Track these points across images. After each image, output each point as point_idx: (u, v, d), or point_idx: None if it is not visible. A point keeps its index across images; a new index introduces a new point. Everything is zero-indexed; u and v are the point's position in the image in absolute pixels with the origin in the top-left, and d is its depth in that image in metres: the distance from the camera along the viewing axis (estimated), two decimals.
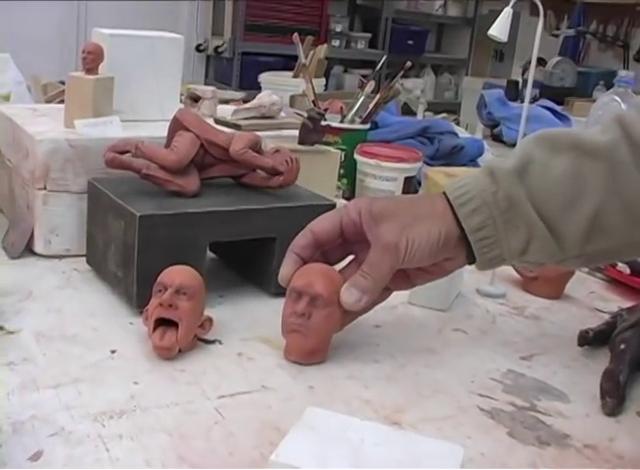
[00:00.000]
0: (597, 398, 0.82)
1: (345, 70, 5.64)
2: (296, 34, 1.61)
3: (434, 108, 4.11)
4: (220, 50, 5.20)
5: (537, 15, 1.02)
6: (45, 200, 1.05)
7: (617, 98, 1.42)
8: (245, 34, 5.15)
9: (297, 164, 1.00)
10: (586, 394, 0.84)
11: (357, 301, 0.82)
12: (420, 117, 2.96)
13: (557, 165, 0.80)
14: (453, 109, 4.56)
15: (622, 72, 1.44)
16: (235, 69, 5.17)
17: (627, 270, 1.20)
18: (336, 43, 5.43)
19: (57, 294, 0.97)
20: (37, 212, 1.05)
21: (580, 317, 1.06)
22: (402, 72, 1.50)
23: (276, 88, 2.40)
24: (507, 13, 1.03)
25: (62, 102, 1.30)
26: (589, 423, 0.78)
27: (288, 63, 4.51)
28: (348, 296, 0.81)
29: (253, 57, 5.13)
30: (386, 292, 0.87)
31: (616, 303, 1.11)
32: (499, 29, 1.04)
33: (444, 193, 0.83)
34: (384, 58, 1.69)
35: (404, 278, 0.87)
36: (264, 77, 3.00)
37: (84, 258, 1.04)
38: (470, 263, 0.85)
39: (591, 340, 0.95)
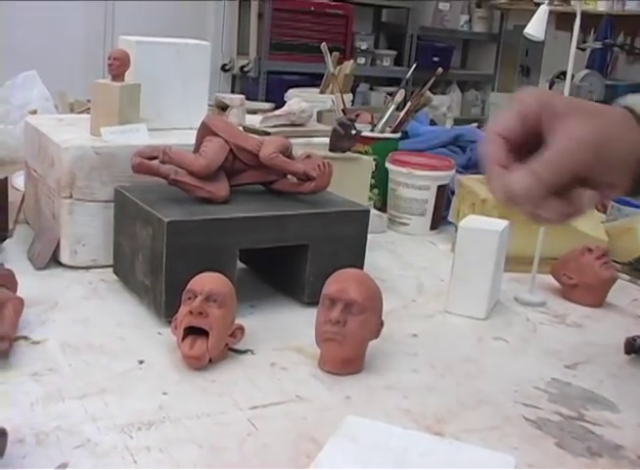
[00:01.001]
0: None
1: (371, 88, 5.62)
2: (324, 44, 1.58)
3: (460, 124, 4.07)
4: (246, 69, 5.19)
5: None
6: (71, 209, 1.02)
7: None
8: (270, 53, 5.14)
9: (330, 169, 0.97)
10: (636, 403, 0.80)
11: (529, 189, 0.65)
12: None
13: None
14: (480, 125, 4.52)
15: None
16: (261, 87, 5.16)
17: None
18: (361, 61, 5.40)
19: (83, 304, 0.94)
20: (63, 222, 1.03)
21: (624, 325, 1.02)
22: (433, 79, 1.46)
23: (300, 101, 2.38)
24: (543, 10, 1.00)
25: (89, 113, 1.28)
26: None
27: (313, 81, 4.48)
28: (519, 182, 0.66)
29: (279, 75, 5.12)
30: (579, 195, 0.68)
31: None
32: (535, 28, 1.01)
33: (629, 109, 0.70)
34: (413, 66, 1.66)
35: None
36: (291, 93, 2.98)
37: (111, 269, 1.01)
38: (630, 194, 0.73)
39: (638, 347, 0.91)
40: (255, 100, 5.05)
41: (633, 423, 0.76)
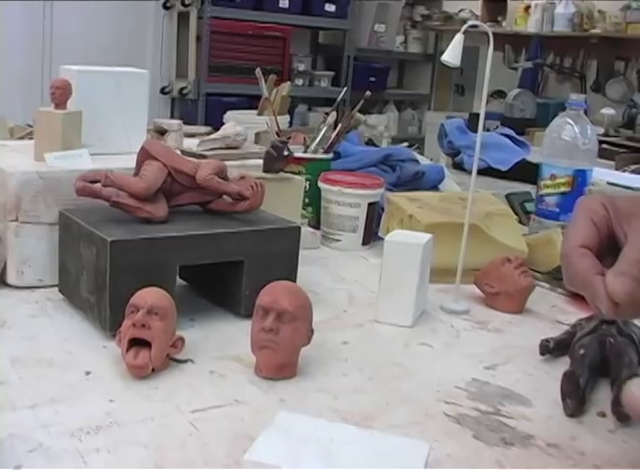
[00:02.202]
0: (559, 401, 0.85)
1: (309, 109, 5.71)
2: (258, 69, 1.65)
3: (398, 143, 4.17)
4: (185, 92, 5.24)
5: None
6: (17, 231, 1.07)
7: (570, 120, 1.46)
8: (209, 76, 5.20)
9: (263, 189, 1.03)
10: (548, 398, 0.87)
11: (630, 288, 0.68)
12: None
13: None
14: (417, 143, 4.63)
15: (574, 96, 1.49)
16: (200, 110, 5.22)
17: None
18: (299, 82, 5.49)
19: (31, 322, 0.99)
20: (10, 244, 1.07)
21: (542, 329, 1.09)
22: (362, 102, 1.54)
23: (235, 124, 2.44)
24: (459, 39, 1.08)
25: (31, 138, 1.33)
26: (552, 424, 0.82)
27: (252, 102, 4.53)
28: (619, 284, 0.68)
29: (218, 97, 5.17)
30: None
31: (575, 315, 1.15)
32: (451, 55, 1.08)
33: None
34: (344, 89, 1.73)
35: None
36: (229, 116, 3.02)
37: (56, 288, 1.06)
38: None
39: (552, 349, 0.99)
40: (195, 122, 5.10)
41: (544, 415, 0.83)
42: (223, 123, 3.02)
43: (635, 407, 0.32)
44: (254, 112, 2.93)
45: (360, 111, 1.63)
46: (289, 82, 3.23)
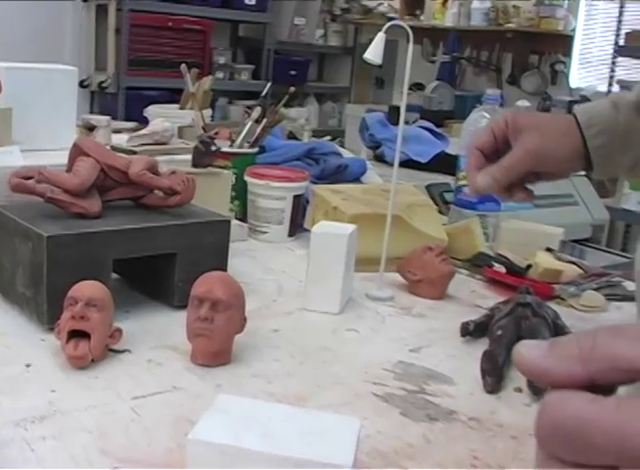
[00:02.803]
0: (479, 379, 0.91)
1: (230, 102, 5.72)
2: (183, 65, 1.67)
3: (319, 136, 4.22)
4: (104, 85, 5.20)
5: (415, 42, 1.12)
6: None
7: (486, 114, 1.53)
8: (128, 69, 5.17)
9: (193, 184, 1.07)
10: (469, 377, 0.93)
11: (489, 186, 0.96)
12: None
13: None
14: (338, 136, 4.69)
15: (489, 91, 1.55)
16: (120, 103, 5.18)
17: (503, 270, 1.31)
18: (220, 75, 5.50)
19: None
20: None
21: (463, 313, 1.15)
22: (287, 97, 1.58)
23: (163, 121, 2.46)
24: (380, 37, 1.13)
25: None
26: (473, 400, 0.87)
27: (173, 96, 4.54)
28: (482, 180, 0.96)
29: (138, 91, 5.15)
30: (517, 190, 1.00)
31: (493, 299, 1.21)
32: (374, 53, 1.13)
33: (574, 116, 0.99)
34: (269, 84, 1.77)
35: (534, 176, 1.00)
36: (151, 110, 3.03)
37: None
38: (585, 173, 1.03)
39: (472, 330, 1.05)
40: (115, 116, 5.06)
41: (466, 392, 0.89)
42: (144, 117, 3.03)
43: (522, 366, 0.39)
44: (176, 106, 2.94)
45: (276, 103, 1.67)
46: (211, 76, 3.25)
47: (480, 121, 1.54)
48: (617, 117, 0.99)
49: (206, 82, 3.02)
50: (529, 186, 1.02)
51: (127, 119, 4.85)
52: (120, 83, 5.17)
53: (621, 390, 0.38)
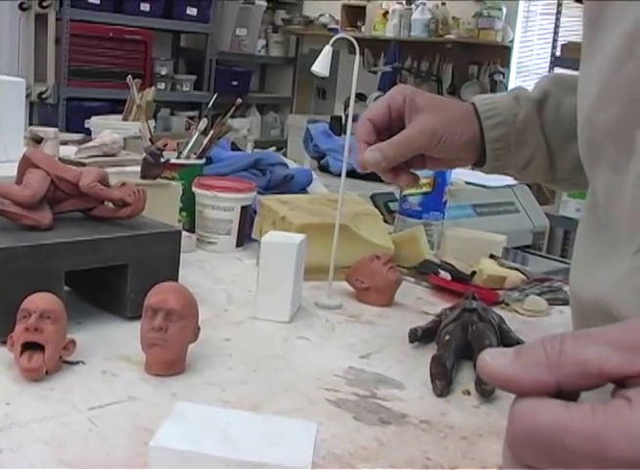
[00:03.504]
0: (428, 383, 0.93)
1: (172, 113, 5.71)
2: (129, 76, 1.68)
3: (261, 146, 4.24)
4: (44, 96, 5.15)
5: (355, 53, 1.14)
6: None
7: None
8: (69, 79, 5.13)
9: (144, 196, 1.08)
10: (419, 381, 0.95)
11: (377, 162, 0.93)
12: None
13: (567, 104, 0.97)
14: (280, 146, 4.71)
15: None
16: (60, 114, 5.14)
17: (448, 277, 1.34)
18: (161, 86, 5.49)
19: None
20: None
21: (410, 320, 1.17)
22: (234, 109, 1.59)
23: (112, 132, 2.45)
24: (327, 50, 1.15)
25: None
26: (423, 403, 0.90)
27: (114, 107, 4.53)
28: (371, 156, 0.93)
29: (79, 102, 5.12)
30: (403, 174, 0.98)
31: (440, 306, 1.24)
32: (321, 66, 1.15)
33: (474, 105, 0.98)
34: (214, 96, 1.78)
35: (421, 161, 0.99)
36: (94, 121, 3.01)
37: None
38: (474, 166, 1.02)
39: (420, 336, 1.07)
40: (55, 127, 5.02)
41: (416, 396, 0.91)
42: (85, 128, 3.02)
43: (488, 374, 0.39)
44: (119, 117, 2.94)
45: (223, 114, 1.68)
46: (153, 87, 3.25)
47: None
48: (517, 112, 0.97)
49: (149, 93, 3.03)
50: (415, 172, 0.99)
51: (68, 130, 4.81)
52: (60, 94, 5.13)
53: (584, 395, 0.39)
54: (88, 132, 2.80)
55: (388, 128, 0.97)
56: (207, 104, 5.63)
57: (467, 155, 0.99)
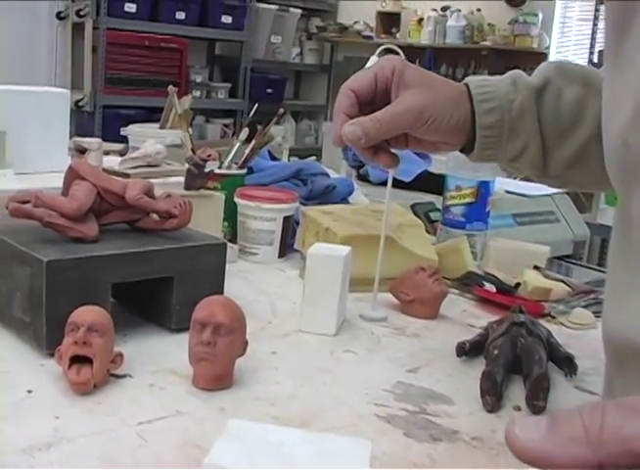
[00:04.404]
0: (478, 398, 0.92)
1: (207, 120, 5.73)
2: (171, 86, 1.68)
3: (296, 154, 4.23)
4: (81, 104, 5.19)
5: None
6: None
7: None
8: (105, 87, 5.17)
9: (190, 207, 1.07)
10: (468, 396, 0.94)
11: (356, 138, 0.84)
12: (284, 161, 3.07)
13: (568, 94, 0.91)
14: (315, 153, 4.70)
15: None
16: (97, 122, 5.17)
17: (494, 289, 1.33)
18: (196, 94, 5.51)
19: None
20: None
21: (456, 333, 1.16)
22: (276, 119, 1.59)
23: (143, 140, 2.45)
24: (373, 61, 1.14)
25: None
26: (474, 419, 0.88)
27: (149, 115, 4.55)
28: (350, 131, 0.84)
29: (115, 110, 5.15)
30: (383, 153, 0.90)
31: (485, 318, 1.22)
32: None
33: (467, 86, 0.90)
34: (255, 106, 1.78)
35: (403, 141, 0.92)
36: (131, 129, 3.03)
37: None
38: (460, 151, 0.94)
39: (468, 350, 1.06)
40: (91, 135, 5.05)
41: (466, 412, 0.90)
42: (122, 136, 3.03)
43: (517, 448, 0.34)
44: (156, 125, 2.95)
45: (258, 122, 1.68)
46: (190, 95, 3.26)
47: None
48: (513, 98, 0.89)
49: (187, 101, 3.04)
50: (395, 152, 0.90)
51: (104, 138, 4.83)
52: (97, 102, 5.17)
53: None
54: (124, 139, 2.81)
55: (371, 102, 0.88)
56: (242, 111, 5.66)
57: (454, 139, 0.90)
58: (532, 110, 0.90)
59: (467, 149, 0.92)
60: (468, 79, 0.92)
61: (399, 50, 1.15)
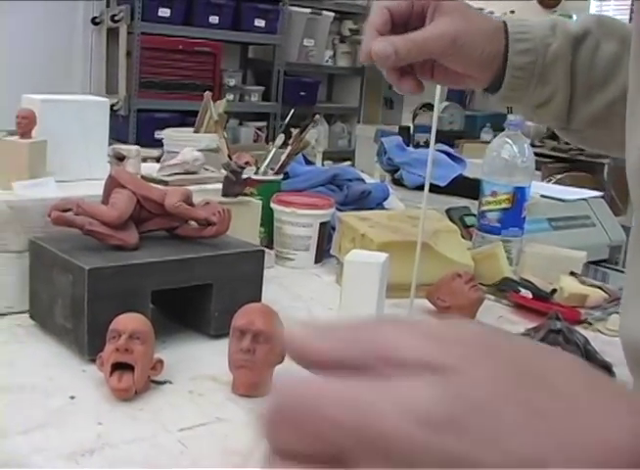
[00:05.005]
0: None
1: (240, 124, 5.74)
2: (207, 92, 1.69)
3: (329, 156, 4.24)
4: (115, 108, 5.22)
5: None
6: None
7: (509, 140, 1.54)
8: (139, 91, 5.19)
9: (229, 215, 1.08)
10: None
11: (386, 56, 0.81)
12: (319, 165, 3.07)
13: (606, 49, 0.88)
14: (347, 156, 4.71)
15: (511, 117, 1.57)
16: (131, 126, 5.21)
17: (530, 295, 1.32)
18: (230, 97, 5.52)
19: (4, 349, 1.01)
20: None
21: None
22: (312, 125, 1.60)
23: (177, 144, 2.47)
24: None
25: None
26: None
27: (184, 118, 4.58)
28: (381, 48, 0.81)
29: (149, 113, 5.17)
30: (409, 78, 0.87)
31: (521, 324, 1.22)
32: None
33: (505, 23, 0.87)
34: (292, 111, 1.79)
35: (429, 70, 0.89)
36: (166, 134, 3.05)
37: (26, 315, 1.09)
38: (485, 90, 0.91)
39: None
40: (126, 138, 5.09)
41: None
42: (155, 140, 3.04)
43: (289, 340, 0.34)
44: (190, 129, 2.97)
45: (292, 125, 1.68)
46: (225, 99, 3.27)
47: (503, 147, 1.56)
48: (550, 42, 0.87)
49: (221, 105, 3.05)
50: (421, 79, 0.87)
51: (139, 142, 4.87)
52: (131, 106, 5.20)
53: None
54: (158, 143, 2.83)
55: (405, 23, 0.85)
56: (276, 115, 5.68)
57: (482, 74, 0.87)
58: (567, 58, 0.88)
59: (492, 88, 0.90)
60: (506, 17, 0.90)
61: None
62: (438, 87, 1.15)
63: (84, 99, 1.25)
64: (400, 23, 0.84)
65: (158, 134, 3.09)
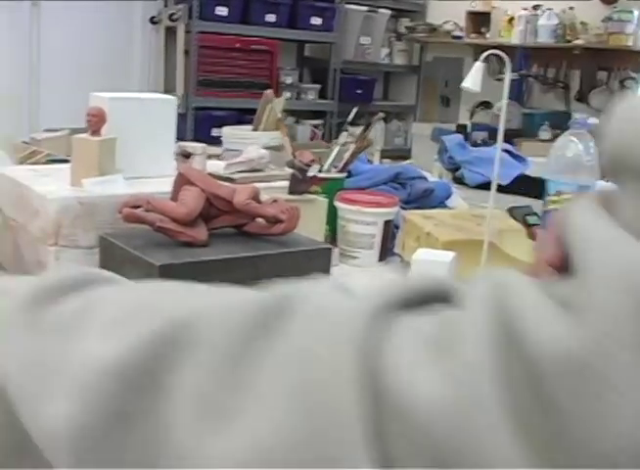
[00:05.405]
0: None
1: (297, 121, 5.76)
2: (270, 91, 1.70)
3: (385, 155, 4.23)
4: None
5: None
6: (57, 255, 1.11)
7: (574, 139, 1.52)
8: (197, 90, 5.24)
9: (298, 213, 1.08)
10: None
11: None
12: (377, 163, 3.07)
13: None
14: (404, 154, 4.70)
15: (577, 115, 1.55)
16: (189, 124, 5.25)
17: None
18: (287, 95, 5.53)
19: None
20: (50, 268, 1.11)
21: None
22: (375, 124, 1.59)
23: (236, 142, 2.48)
24: (478, 67, 1.13)
25: (35, 162, 1.38)
26: None
27: (241, 116, 4.60)
28: None
29: (207, 111, 5.22)
30: None
31: None
32: (472, 82, 1.14)
33: None
34: (354, 110, 1.78)
35: None
36: (225, 131, 3.07)
37: None
38: None
39: None
40: (184, 136, 5.13)
41: None
42: (213, 137, 3.06)
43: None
44: (249, 127, 2.98)
45: (349, 123, 1.68)
46: (283, 97, 3.28)
47: (568, 146, 1.54)
48: None
49: (280, 103, 3.07)
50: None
51: (196, 139, 4.91)
52: (189, 104, 5.25)
53: None
54: (215, 140, 2.85)
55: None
56: (332, 112, 5.68)
57: None
58: None
59: None
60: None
61: (504, 54, 1.14)
62: (505, 86, 1.14)
63: (151, 97, 1.26)
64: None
65: (215, 132, 3.10)
